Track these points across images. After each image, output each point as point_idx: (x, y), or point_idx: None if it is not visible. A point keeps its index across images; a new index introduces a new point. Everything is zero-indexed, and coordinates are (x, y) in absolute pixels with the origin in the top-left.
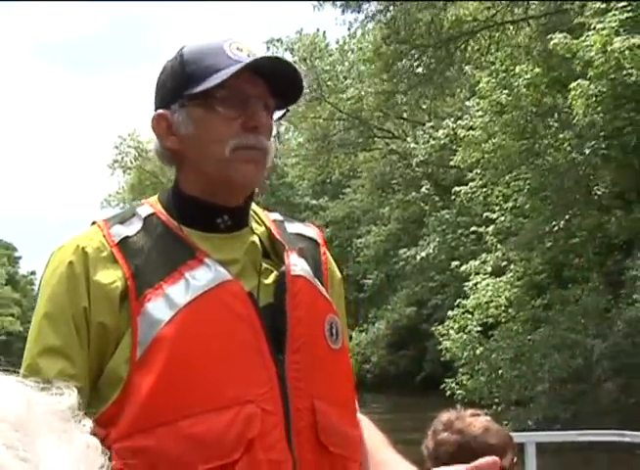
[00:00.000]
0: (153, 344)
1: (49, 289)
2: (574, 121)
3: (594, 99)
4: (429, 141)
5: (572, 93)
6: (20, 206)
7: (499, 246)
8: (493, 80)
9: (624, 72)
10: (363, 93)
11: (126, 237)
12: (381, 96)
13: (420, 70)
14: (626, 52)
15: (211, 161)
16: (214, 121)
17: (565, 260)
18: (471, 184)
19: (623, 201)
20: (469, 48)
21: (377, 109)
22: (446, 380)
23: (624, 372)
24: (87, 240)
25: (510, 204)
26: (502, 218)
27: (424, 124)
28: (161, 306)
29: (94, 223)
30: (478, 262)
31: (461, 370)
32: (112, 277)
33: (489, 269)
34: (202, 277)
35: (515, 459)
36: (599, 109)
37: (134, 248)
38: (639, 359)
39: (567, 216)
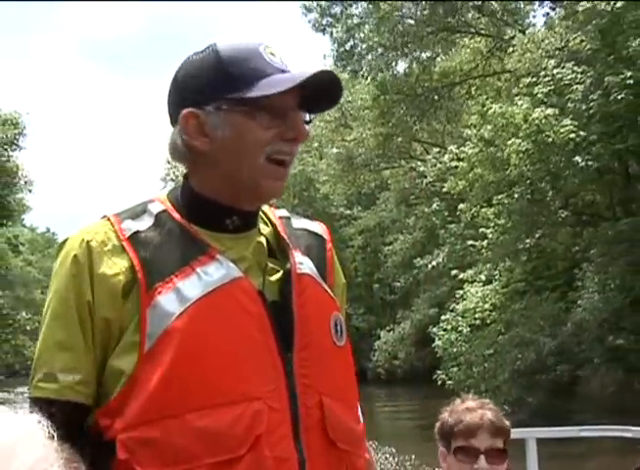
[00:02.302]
0: (162, 336)
1: (56, 283)
2: (508, 172)
3: (522, 154)
4: (436, 164)
5: (508, 149)
6: (66, 204)
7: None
8: (479, 117)
9: (544, 134)
10: (364, 135)
11: (137, 231)
12: (379, 137)
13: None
14: (543, 120)
15: (245, 167)
16: (253, 129)
17: (538, 272)
18: (461, 206)
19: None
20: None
21: (376, 148)
22: (437, 372)
23: (568, 365)
24: (93, 233)
25: (500, 221)
26: (490, 235)
27: (439, 147)
28: (172, 300)
29: (104, 217)
30: (472, 271)
31: (450, 364)
32: (116, 269)
33: (483, 278)
34: (214, 273)
35: (500, 448)
36: (527, 161)
37: (145, 242)
38: (582, 354)
39: (537, 235)
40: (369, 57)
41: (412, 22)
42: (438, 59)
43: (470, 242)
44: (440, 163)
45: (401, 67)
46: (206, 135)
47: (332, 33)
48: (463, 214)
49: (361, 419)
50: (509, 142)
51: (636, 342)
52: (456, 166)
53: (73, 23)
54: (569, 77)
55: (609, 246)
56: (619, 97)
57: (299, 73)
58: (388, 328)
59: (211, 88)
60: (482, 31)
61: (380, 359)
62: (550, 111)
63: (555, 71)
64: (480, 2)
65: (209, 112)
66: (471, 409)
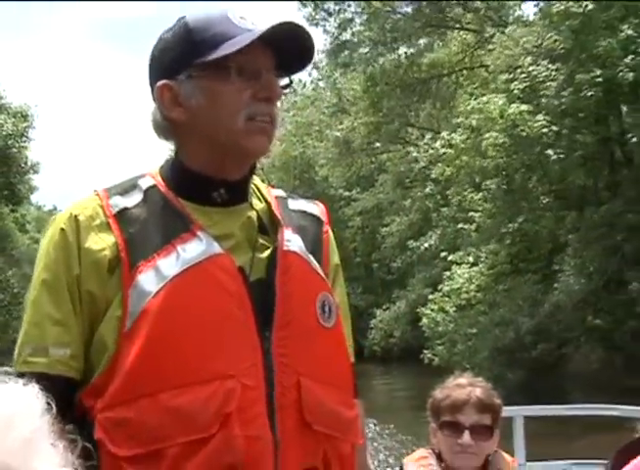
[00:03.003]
0: (140, 315)
1: (45, 256)
2: (485, 164)
3: (499, 147)
4: (427, 150)
5: (485, 142)
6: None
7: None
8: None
9: (519, 129)
10: (355, 124)
11: (125, 208)
12: (370, 126)
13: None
14: (518, 115)
15: (224, 131)
16: (226, 92)
17: (522, 255)
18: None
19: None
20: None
21: (367, 137)
22: (424, 351)
23: (547, 344)
24: (81, 208)
25: (487, 206)
26: (477, 219)
27: (434, 132)
28: (151, 278)
29: (95, 192)
30: (462, 253)
31: (436, 342)
32: (102, 245)
33: (471, 260)
34: (192, 250)
35: (486, 424)
36: (503, 154)
37: (131, 219)
38: (561, 334)
39: (519, 220)
40: (360, 50)
41: (400, 17)
42: (426, 52)
43: (460, 225)
44: (432, 148)
45: (390, 60)
46: (181, 105)
47: (325, 27)
48: (451, 199)
49: (356, 404)
50: (486, 135)
51: (614, 322)
52: (444, 153)
53: (85, 4)
54: (543, 75)
55: (587, 230)
56: (589, 94)
57: (253, 28)
58: (384, 307)
59: (180, 57)
60: (468, 26)
61: (376, 337)
62: (524, 107)
63: (531, 69)
64: (463, 1)
65: (181, 81)
66: (460, 386)
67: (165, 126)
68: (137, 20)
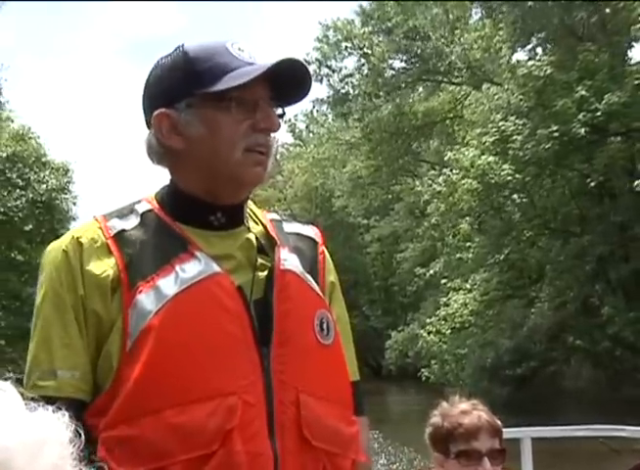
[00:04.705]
0: (141, 335)
1: (48, 278)
2: (459, 207)
3: (472, 193)
4: (431, 185)
5: (460, 189)
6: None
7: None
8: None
9: (488, 176)
10: (357, 167)
11: (122, 230)
12: (371, 168)
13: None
14: (487, 165)
15: (222, 161)
16: (226, 122)
17: (511, 282)
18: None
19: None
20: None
21: (367, 178)
22: (422, 369)
23: (522, 363)
24: (82, 231)
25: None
26: (471, 250)
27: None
28: (151, 298)
29: (94, 217)
30: (459, 280)
31: (432, 362)
32: (104, 267)
33: (469, 286)
34: (190, 270)
35: (499, 448)
36: (475, 198)
37: (130, 241)
38: (542, 354)
39: (506, 251)
40: (357, 101)
41: (393, 72)
42: (418, 102)
43: (458, 255)
44: (435, 183)
45: (385, 110)
46: (180, 134)
47: (329, 81)
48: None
49: (356, 421)
50: (462, 181)
51: (590, 342)
52: (440, 192)
53: (112, 23)
54: (511, 129)
55: (565, 260)
56: (546, 146)
57: (265, 63)
58: (399, 329)
59: (180, 86)
60: (454, 81)
61: (391, 357)
62: (492, 158)
63: (500, 124)
64: (447, 62)
65: (180, 110)
66: (466, 412)
67: (161, 153)
68: (163, 38)
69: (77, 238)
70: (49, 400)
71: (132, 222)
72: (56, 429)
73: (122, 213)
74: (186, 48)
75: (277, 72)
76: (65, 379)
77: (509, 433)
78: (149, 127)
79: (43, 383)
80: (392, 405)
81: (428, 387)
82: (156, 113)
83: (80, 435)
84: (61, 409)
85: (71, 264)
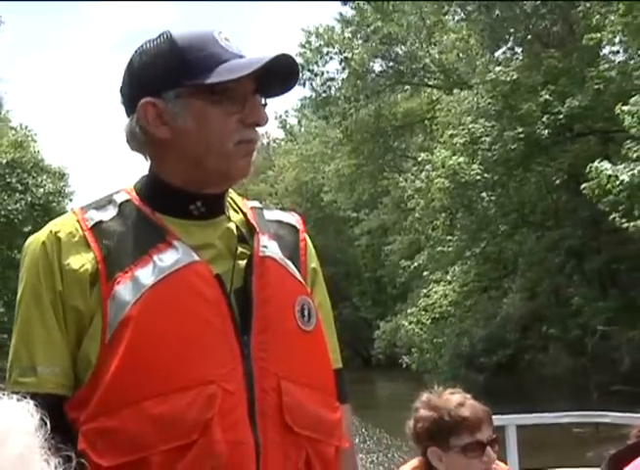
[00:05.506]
0: (119, 326)
1: (27, 275)
2: (432, 204)
3: (444, 191)
4: (414, 181)
5: (433, 187)
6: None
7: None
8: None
9: (459, 176)
10: (339, 166)
11: (100, 222)
12: (352, 167)
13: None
14: (457, 166)
15: (212, 154)
16: (216, 115)
17: (489, 274)
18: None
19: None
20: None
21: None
22: (404, 357)
23: (494, 351)
24: (60, 225)
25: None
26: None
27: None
28: (129, 289)
29: (72, 210)
30: (440, 272)
31: (413, 350)
32: (82, 261)
33: (449, 278)
34: (168, 259)
35: (494, 436)
36: (447, 196)
37: (107, 232)
38: (515, 343)
39: (482, 245)
40: (338, 104)
41: (373, 76)
42: (397, 104)
43: (439, 248)
44: (417, 178)
45: (363, 113)
46: (166, 123)
47: (311, 84)
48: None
49: (339, 407)
50: (435, 181)
51: (562, 331)
52: (419, 188)
53: (106, 19)
54: (480, 131)
55: (537, 252)
56: (513, 147)
57: (259, 58)
58: (386, 319)
59: (168, 76)
60: (430, 83)
61: (380, 347)
62: (462, 159)
63: (470, 126)
64: (420, 65)
65: (168, 100)
66: (462, 404)
67: (144, 141)
68: (161, 29)
69: (55, 233)
70: (31, 396)
71: (110, 213)
72: (20, 418)
73: (100, 205)
74: (174, 36)
75: (266, 67)
76: (45, 375)
77: (494, 420)
78: (129, 114)
79: (24, 379)
80: (379, 392)
81: (412, 375)
82: (142, 101)
83: (46, 424)
84: (25, 398)
85: (49, 260)
